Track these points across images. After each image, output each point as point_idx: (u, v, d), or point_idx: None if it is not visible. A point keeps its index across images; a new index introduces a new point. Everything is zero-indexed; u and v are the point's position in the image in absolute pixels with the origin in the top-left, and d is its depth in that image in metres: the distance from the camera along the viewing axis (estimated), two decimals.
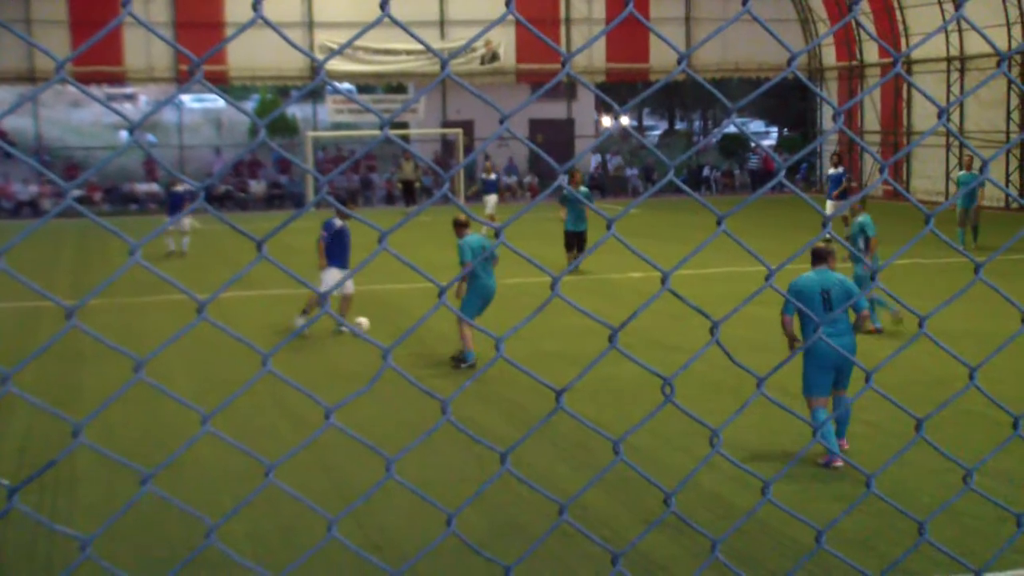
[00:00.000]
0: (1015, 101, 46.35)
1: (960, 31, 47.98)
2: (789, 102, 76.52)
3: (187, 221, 34.24)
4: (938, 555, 10.28)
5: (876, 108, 54.24)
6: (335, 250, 22.45)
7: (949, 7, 47.80)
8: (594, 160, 64.13)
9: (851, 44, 56.16)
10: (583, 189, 29.78)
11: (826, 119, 60.18)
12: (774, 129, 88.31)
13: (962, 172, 38.20)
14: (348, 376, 18.92)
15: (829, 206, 36.20)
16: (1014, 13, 46.45)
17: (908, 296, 21.68)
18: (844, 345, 13.32)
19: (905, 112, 52.84)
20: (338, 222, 22.63)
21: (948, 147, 49.35)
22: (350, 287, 22.79)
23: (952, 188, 47.85)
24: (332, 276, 22.25)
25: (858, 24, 50.80)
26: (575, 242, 30.12)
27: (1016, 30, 45.94)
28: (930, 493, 12.58)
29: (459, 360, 20.18)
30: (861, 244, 21.46)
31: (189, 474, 13.80)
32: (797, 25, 56.67)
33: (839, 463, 13.42)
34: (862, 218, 21.93)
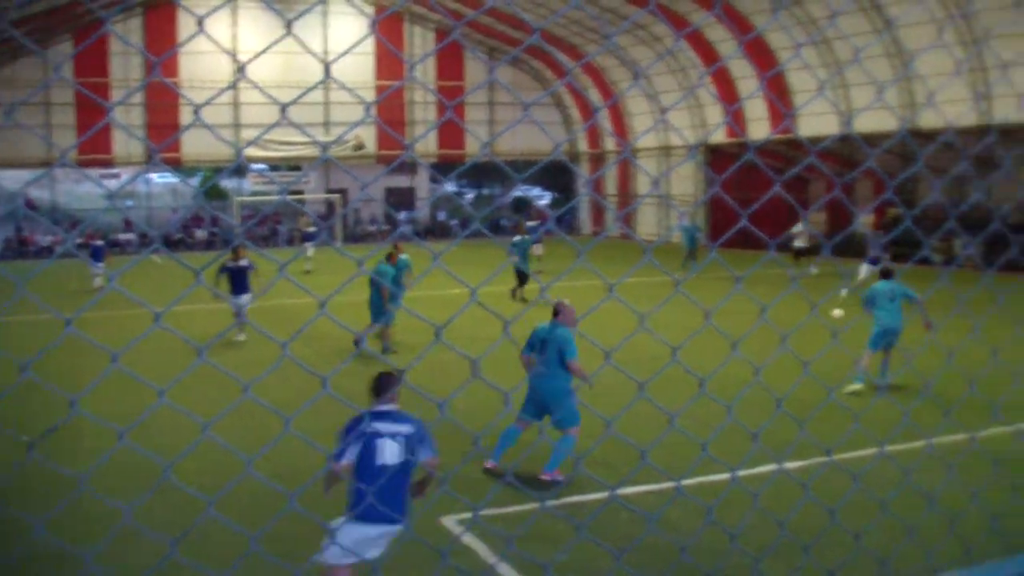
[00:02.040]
0: (699, 176, 47.80)
1: (666, 130, 49.27)
2: (557, 176, 77.67)
3: (102, 265, 33.14)
4: (653, 471, 10.47)
5: (615, 180, 55.33)
6: (235, 282, 21.46)
7: (658, 114, 49.10)
8: (402, 214, 64.27)
9: (597, 137, 57.18)
10: (527, 238, 28.77)
11: (582, 187, 61.66)
12: (549, 193, 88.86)
13: (685, 223, 39.17)
14: (266, 364, 18.66)
15: (537, 248, 36.30)
16: (698, 119, 48.06)
17: (638, 303, 21.97)
18: (547, 386, 11.78)
19: (633, 182, 53.99)
20: (231, 263, 21.48)
21: (659, 206, 50.71)
22: (248, 304, 21.77)
23: (661, 232, 49.26)
24: (235, 301, 21.68)
25: (600, 126, 51.83)
26: (521, 276, 28.32)
27: (699, 131, 47.44)
28: (650, 431, 12.76)
29: (387, 350, 20.29)
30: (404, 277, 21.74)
31: (154, 431, 13.54)
32: (561, 125, 57.71)
33: (490, 464, 12.03)
34: (405, 256, 21.92)
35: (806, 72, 40.30)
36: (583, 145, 59.06)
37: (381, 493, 7.25)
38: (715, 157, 47.45)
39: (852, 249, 36.04)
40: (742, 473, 11.07)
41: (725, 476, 10.92)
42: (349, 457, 7.53)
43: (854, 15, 36.74)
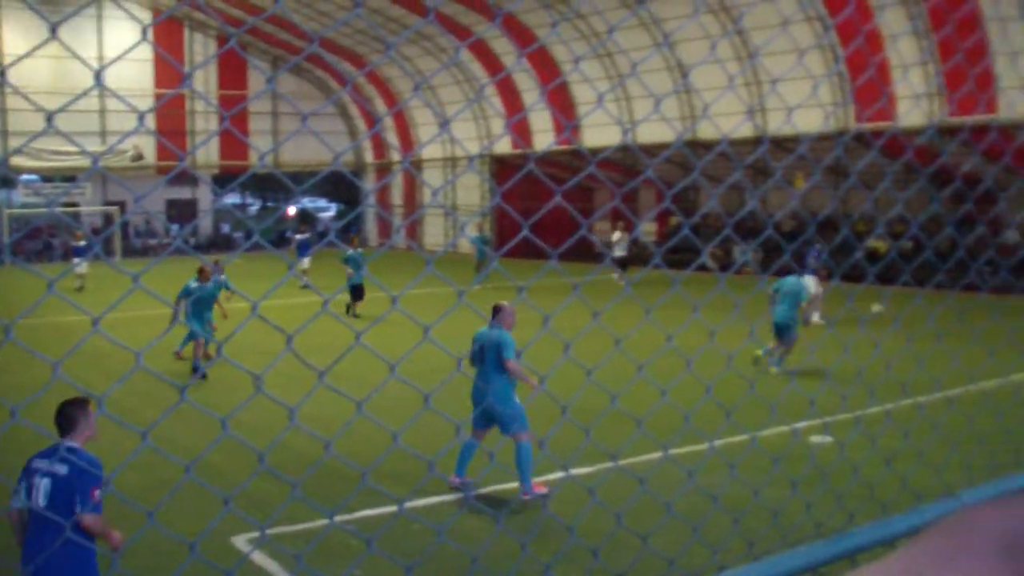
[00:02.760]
0: (485, 186, 48.39)
1: (452, 142, 49.60)
2: (344, 187, 77.33)
3: None
4: (444, 482, 10.48)
5: (400, 189, 55.38)
6: None
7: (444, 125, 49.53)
8: (174, 227, 62.86)
9: (384, 148, 57.15)
10: (361, 251, 27.74)
11: (365, 198, 61.50)
12: (335, 205, 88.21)
13: (475, 234, 39.32)
14: (37, 387, 17.85)
15: (306, 262, 35.67)
16: (485, 130, 48.63)
17: (424, 315, 21.99)
18: (489, 392, 11.10)
19: (420, 193, 54.13)
20: None
21: (446, 216, 51.00)
22: None
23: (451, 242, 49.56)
24: None
25: (386, 137, 51.78)
26: (358, 291, 27.47)
27: (486, 142, 48.07)
28: (440, 442, 12.82)
29: (197, 369, 19.31)
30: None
31: None
32: (347, 136, 57.41)
33: (456, 481, 11.45)
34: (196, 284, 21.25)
35: (590, 84, 41.32)
36: (370, 156, 58.91)
37: (40, 543, 6.32)
38: (502, 168, 48.06)
39: (639, 257, 37.10)
40: (533, 480, 11.22)
41: (515, 484, 11.06)
42: (16, 502, 6.63)
43: (635, 29, 37.80)
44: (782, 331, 18.36)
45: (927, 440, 10.28)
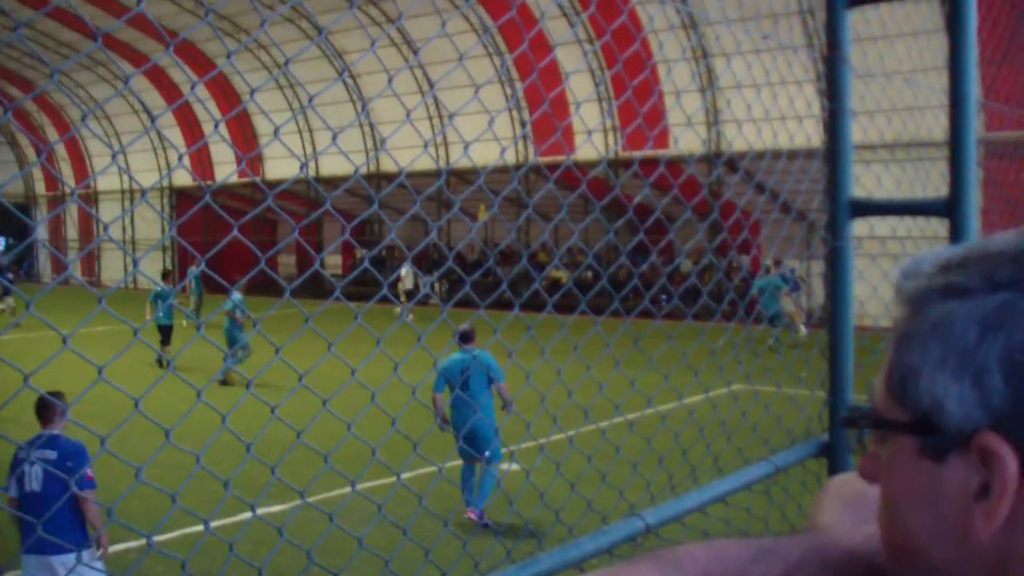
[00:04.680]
0: (171, 220, 46.96)
1: (129, 174, 47.88)
2: (9, 220, 73.46)
3: None
4: (133, 525, 10.06)
5: (76, 223, 53.03)
6: None
7: (118, 156, 47.72)
8: None
9: (57, 179, 54.46)
10: (169, 287, 24.73)
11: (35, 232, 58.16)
12: (2, 239, 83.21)
13: (194, 269, 37.76)
14: None
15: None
16: (165, 162, 47.19)
17: (102, 354, 21.02)
18: (479, 419, 10.73)
19: (100, 227, 51.89)
20: None
21: (124, 252, 48.91)
22: None
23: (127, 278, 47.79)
24: None
25: (60, 168, 49.42)
26: (165, 332, 24.02)
27: (166, 173, 46.75)
28: (124, 485, 12.28)
29: None
30: None
31: None
32: (16, 166, 54.34)
33: (472, 515, 11.38)
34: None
35: (274, 116, 40.86)
36: (42, 188, 56.04)
37: (35, 521, 6.83)
38: (184, 201, 46.80)
39: (323, 290, 36.86)
40: (220, 522, 10.93)
41: (202, 527, 10.73)
42: (10, 489, 7.48)
43: (319, 61, 37.74)
44: (772, 317, 22.73)
45: (609, 463, 10.68)
